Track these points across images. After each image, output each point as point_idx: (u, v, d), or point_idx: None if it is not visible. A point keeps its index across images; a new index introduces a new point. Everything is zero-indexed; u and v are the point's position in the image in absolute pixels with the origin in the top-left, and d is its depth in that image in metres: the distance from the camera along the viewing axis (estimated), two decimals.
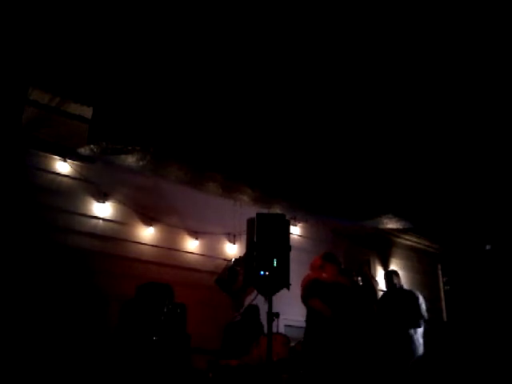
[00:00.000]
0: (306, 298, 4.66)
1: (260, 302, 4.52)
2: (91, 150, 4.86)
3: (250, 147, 4.94)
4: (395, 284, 5.95)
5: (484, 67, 3.71)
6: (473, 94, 4.03)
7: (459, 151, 5.07)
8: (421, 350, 5.63)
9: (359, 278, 5.00)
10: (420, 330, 5.69)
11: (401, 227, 7.44)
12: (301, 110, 4.32)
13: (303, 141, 4.83)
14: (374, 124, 4.58)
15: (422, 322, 5.68)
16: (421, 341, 5.64)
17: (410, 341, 5.57)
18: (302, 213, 6.71)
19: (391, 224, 7.14)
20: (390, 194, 5.97)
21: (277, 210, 6.29)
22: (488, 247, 8.25)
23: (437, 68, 3.69)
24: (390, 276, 6.06)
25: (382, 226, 7.28)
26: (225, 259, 6.02)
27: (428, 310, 5.86)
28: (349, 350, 4.34)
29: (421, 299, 5.80)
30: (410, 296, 5.82)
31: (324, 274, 4.66)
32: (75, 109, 4.66)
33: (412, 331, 5.61)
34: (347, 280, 4.71)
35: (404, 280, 6.51)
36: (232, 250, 6.18)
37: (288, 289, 3.74)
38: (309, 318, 4.66)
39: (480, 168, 5.43)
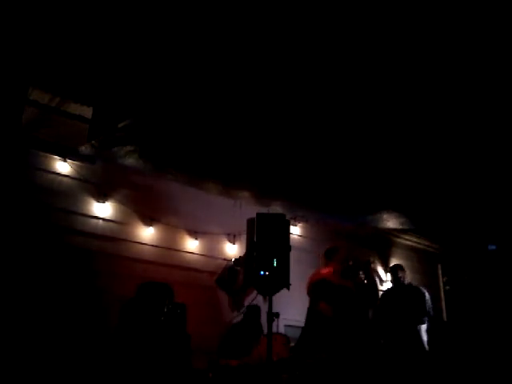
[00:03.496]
0: (311, 296, 4.67)
1: (260, 302, 4.52)
2: (91, 149, 4.86)
3: (248, 146, 4.93)
4: (400, 278, 5.93)
5: (484, 67, 3.71)
6: (475, 92, 4.01)
7: (459, 151, 5.07)
8: (425, 347, 5.63)
9: (362, 275, 4.98)
10: (424, 327, 5.69)
11: (400, 226, 7.38)
12: (299, 107, 4.29)
13: (302, 138, 4.80)
14: (374, 123, 4.57)
15: (426, 319, 5.68)
16: (425, 338, 5.64)
17: (415, 337, 5.57)
18: (303, 210, 6.69)
19: (391, 221, 7.04)
20: (390, 194, 5.95)
21: (277, 208, 6.30)
22: (492, 247, 8.21)
23: (436, 66, 3.68)
24: (395, 270, 6.04)
25: (381, 225, 7.22)
26: (225, 259, 6.02)
27: (433, 308, 5.88)
28: (348, 348, 4.35)
29: (427, 296, 5.80)
30: (416, 292, 5.82)
31: (330, 275, 4.64)
32: (75, 109, 4.67)
33: (417, 327, 5.61)
34: (351, 282, 4.69)
35: None
36: (232, 250, 6.18)
37: (288, 289, 3.74)
38: (309, 315, 4.67)
39: (480, 168, 5.42)
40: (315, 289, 4.66)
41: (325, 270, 4.73)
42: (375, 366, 4.64)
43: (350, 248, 7.27)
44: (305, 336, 4.67)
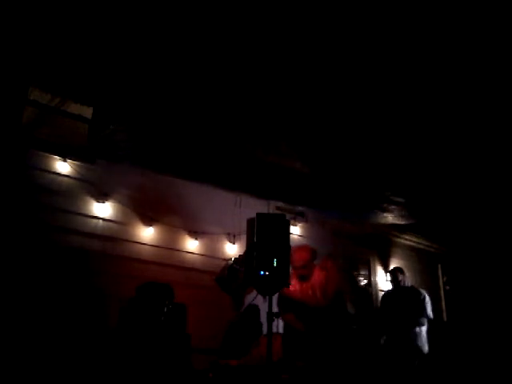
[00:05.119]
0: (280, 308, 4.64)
1: (260, 301, 4.51)
2: (91, 150, 4.86)
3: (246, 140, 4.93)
4: (400, 281, 5.95)
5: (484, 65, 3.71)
6: (480, 89, 3.97)
7: (460, 153, 5.06)
8: (425, 348, 5.63)
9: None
10: (424, 328, 5.69)
11: (401, 220, 7.27)
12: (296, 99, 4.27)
13: (300, 127, 4.76)
14: (374, 121, 4.55)
15: (425, 320, 5.69)
16: (425, 339, 5.65)
17: (415, 339, 5.57)
18: (303, 206, 6.66)
19: (392, 213, 6.90)
20: (393, 184, 5.88)
21: (278, 204, 6.31)
22: None
23: (435, 58, 3.66)
24: (395, 273, 6.06)
25: (382, 219, 7.13)
26: (225, 259, 6.00)
27: (433, 309, 5.88)
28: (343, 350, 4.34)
29: (427, 298, 5.81)
30: (416, 294, 5.83)
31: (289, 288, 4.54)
32: (75, 109, 4.67)
33: (417, 329, 5.61)
34: (312, 279, 4.55)
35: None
36: (232, 250, 6.18)
37: None
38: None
39: (482, 168, 5.42)
40: (279, 302, 4.66)
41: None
42: (375, 367, 4.64)
43: (350, 248, 7.27)
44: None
